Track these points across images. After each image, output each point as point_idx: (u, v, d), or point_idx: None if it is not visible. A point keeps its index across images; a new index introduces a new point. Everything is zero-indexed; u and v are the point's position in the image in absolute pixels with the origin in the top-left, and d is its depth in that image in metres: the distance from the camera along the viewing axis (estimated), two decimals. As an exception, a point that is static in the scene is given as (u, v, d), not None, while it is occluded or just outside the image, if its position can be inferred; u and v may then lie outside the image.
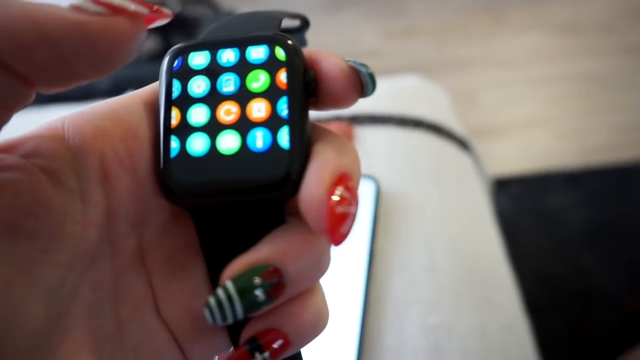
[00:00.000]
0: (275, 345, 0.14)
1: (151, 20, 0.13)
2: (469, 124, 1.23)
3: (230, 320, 0.13)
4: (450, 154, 0.58)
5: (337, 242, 0.13)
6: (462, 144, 0.61)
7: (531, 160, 1.21)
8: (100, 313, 0.14)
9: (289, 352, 0.14)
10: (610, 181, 1.15)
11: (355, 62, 0.15)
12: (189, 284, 0.15)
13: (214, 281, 0.15)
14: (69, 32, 0.11)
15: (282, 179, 0.14)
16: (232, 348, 0.15)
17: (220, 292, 0.13)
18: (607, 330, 0.91)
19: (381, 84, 0.69)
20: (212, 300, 0.13)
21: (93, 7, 0.12)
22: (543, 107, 1.35)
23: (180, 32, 1.27)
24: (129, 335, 0.14)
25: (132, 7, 0.12)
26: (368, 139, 0.55)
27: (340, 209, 0.13)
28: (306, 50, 0.15)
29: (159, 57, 1.25)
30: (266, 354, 0.14)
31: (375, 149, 0.54)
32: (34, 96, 0.12)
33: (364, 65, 0.15)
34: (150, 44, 1.26)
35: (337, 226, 0.13)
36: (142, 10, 0.12)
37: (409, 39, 1.58)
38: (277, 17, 0.17)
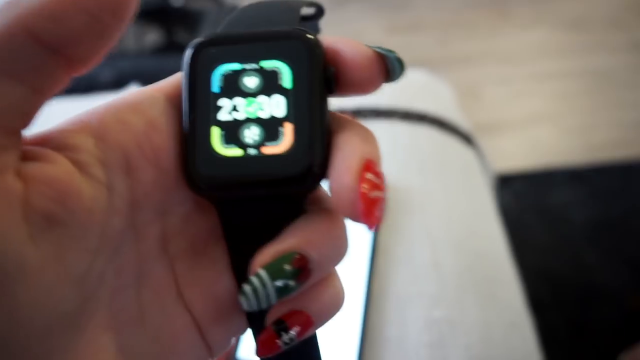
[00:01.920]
0: (299, 326, 0.15)
1: None
2: (472, 119, 1.22)
3: (264, 306, 0.14)
4: (454, 148, 0.58)
5: (372, 225, 0.14)
6: (466, 138, 0.61)
7: (535, 157, 1.21)
8: (123, 298, 0.15)
9: (311, 332, 0.15)
10: (614, 178, 1.15)
11: (381, 48, 0.15)
12: (211, 269, 0.16)
13: (236, 268, 0.16)
14: None
15: (304, 173, 0.15)
16: (247, 329, 0.17)
17: (254, 279, 0.14)
18: (609, 326, 0.91)
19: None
20: (247, 287, 0.14)
21: None
22: (547, 103, 1.34)
23: (184, 26, 1.27)
24: (150, 319, 0.15)
25: None
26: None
27: (372, 194, 0.14)
28: (326, 39, 0.15)
29: (161, 50, 1.25)
30: (292, 334, 0.15)
31: (378, 142, 0.54)
32: (68, 81, 0.13)
33: (391, 51, 0.15)
34: (153, 37, 1.26)
35: (372, 210, 0.14)
36: None
37: (413, 34, 1.57)
38: (295, 7, 0.17)
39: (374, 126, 0.56)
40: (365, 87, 0.15)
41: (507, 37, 1.52)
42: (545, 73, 1.41)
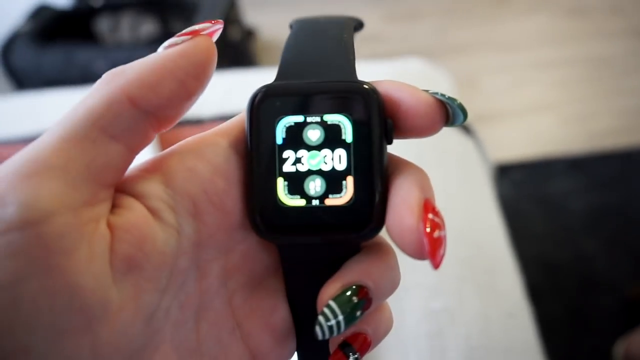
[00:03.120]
0: (360, 346, 0.16)
1: (214, 32, 0.16)
2: (471, 108, 1.21)
3: (335, 334, 0.15)
4: (452, 138, 0.58)
5: (438, 264, 0.14)
6: (464, 128, 0.60)
7: (534, 146, 1.20)
8: (184, 330, 0.16)
9: (370, 351, 0.17)
10: (614, 166, 1.14)
11: (443, 96, 0.16)
12: (268, 301, 0.17)
13: (292, 301, 0.17)
14: (179, 61, 0.15)
15: (364, 225, 0.16)
16: (295, 353, 0.18)
17: (327, 311, 0.15)
18: (608, 315, 0.91)
19: (382, 66, 0.68)
20: (322, 318, 0.15)
21: (179, 40, 0.15)
22: (547, 92, 1.33)
23: (179, 16, 1.25)
24: (207, 350, 0.16)
25: (199, 27, 0.16)
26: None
27: (436, 234, 0.14)
28: (387, 87, 0.16)
29: (156, 41, 1.24)
30: (357, 354, 0.16)
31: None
32: (154, 138, 0.15)
33: (453, 99, 0.16)
34: (148, 28, 1.25)
35: (437, 249, 0.14)
36: (208, 25, 0.16)
37: (410, 23, 1.56)
38: (348, 39, 0.18)
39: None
40: (425, 132, 0.16)
41: (506, 25, 1.51)
42: (544, 61, 1.40)
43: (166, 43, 0.15)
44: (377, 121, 0.16)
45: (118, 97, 0.14)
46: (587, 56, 1.40)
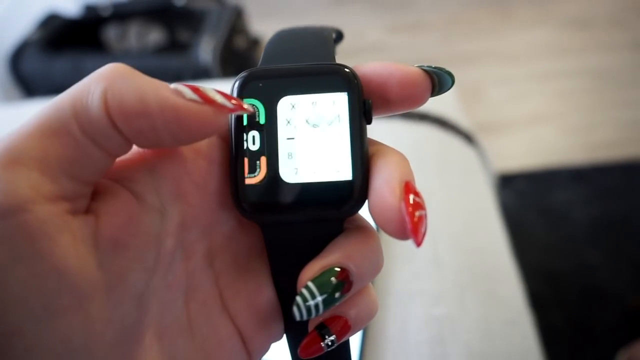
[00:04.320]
0: (339, 330, 0.16)
1: (232, 112, 0.15)
2: (474, 119, 1.22)
3: (313, 315, 0.15)
4: (455, 147, 0.58)
5: (420, 242, 0.15)
6: (467, 137, 0.61)
7: (536, 156, 1.21)
8: (174, 310, 0.16)
9: (349, 335, 0.17)
10: (616, 177, 1.15)
11: (429, 67, 0.17)
12: (253, 282, 0.17)
13: (277, 282, 0.17)
14: (165, 111, 0.14)
15: (346, 199, 0.16)
16: (284, 335, 0.18)
17: (305, 292, 0.15)
18: (610, 326, 0.91)
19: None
20: (299, 299, 0.15)
21: (189, 93, 0.14)
22: (549, 103, 1.34)
23: (186, 25, 1.27)
24: (198, 329, 0.17)
25: (219, 99, 0.15)
26: (373, 132, 0.55)
27: (417, 213, 0.15)
28: (377, 65, 0.17)
29: (164, 50, 1.25)
30: (333, 337, 0.16)
31: (380, 141, 0.54)
32: (131, 149, 0.15)
33: (440, 68, 0.17)
34: (155, 37, 1.26)
35: (419, 228, 0.15)
36: (227, 104, 0.15)
37: (414, 33, 1.57)
38: (328, 35, 0.18)
39: (375, 125, 0.57)
40: (416, 100, 0.17)
41: (509, 37, 1.52)
42: (546, 72, 1.41)
43: (180, 88, 0.14)
44: (357, 100, 0.16)
45: (98, 112, 0.13)
46: (588, 68, 1.41)
